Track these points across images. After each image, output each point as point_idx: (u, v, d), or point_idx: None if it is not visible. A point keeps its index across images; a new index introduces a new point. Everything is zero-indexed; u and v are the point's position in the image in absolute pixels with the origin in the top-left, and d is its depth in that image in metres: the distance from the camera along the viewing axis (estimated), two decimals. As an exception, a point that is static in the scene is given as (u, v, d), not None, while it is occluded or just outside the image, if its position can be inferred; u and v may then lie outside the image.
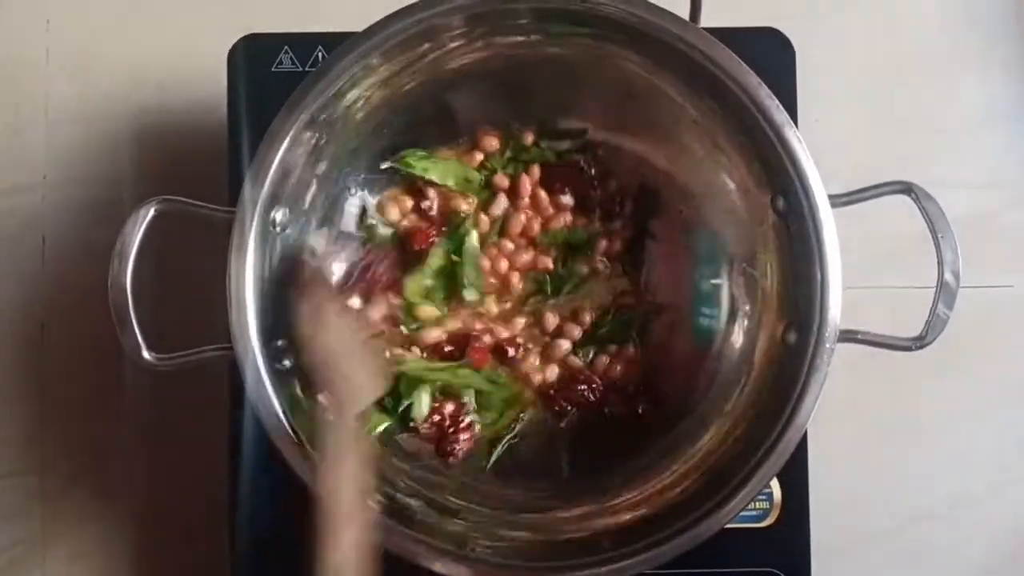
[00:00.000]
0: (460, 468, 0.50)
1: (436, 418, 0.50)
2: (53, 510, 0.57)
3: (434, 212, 0.51)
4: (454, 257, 0.50)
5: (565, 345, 0.51)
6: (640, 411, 0.50)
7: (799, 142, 0.43)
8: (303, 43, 0.51)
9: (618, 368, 0.51)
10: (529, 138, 0.51)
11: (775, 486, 0.51)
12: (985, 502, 0.58)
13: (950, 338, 0.43)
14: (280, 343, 0.44)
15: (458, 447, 0.50)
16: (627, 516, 0.46)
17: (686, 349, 0.51)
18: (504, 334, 0.51)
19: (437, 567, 0.41)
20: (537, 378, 0.51)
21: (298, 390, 0.45)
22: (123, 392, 0.56)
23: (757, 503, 0.50)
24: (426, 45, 0.44)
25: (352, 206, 0.50)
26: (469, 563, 0.42)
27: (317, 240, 0.48)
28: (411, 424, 0.50)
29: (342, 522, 0.39)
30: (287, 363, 0.44)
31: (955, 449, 0.58)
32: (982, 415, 0.59)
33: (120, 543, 0.57)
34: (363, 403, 0.43)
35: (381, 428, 0.49)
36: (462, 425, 0.50)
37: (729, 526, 0.42)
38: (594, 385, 0.51)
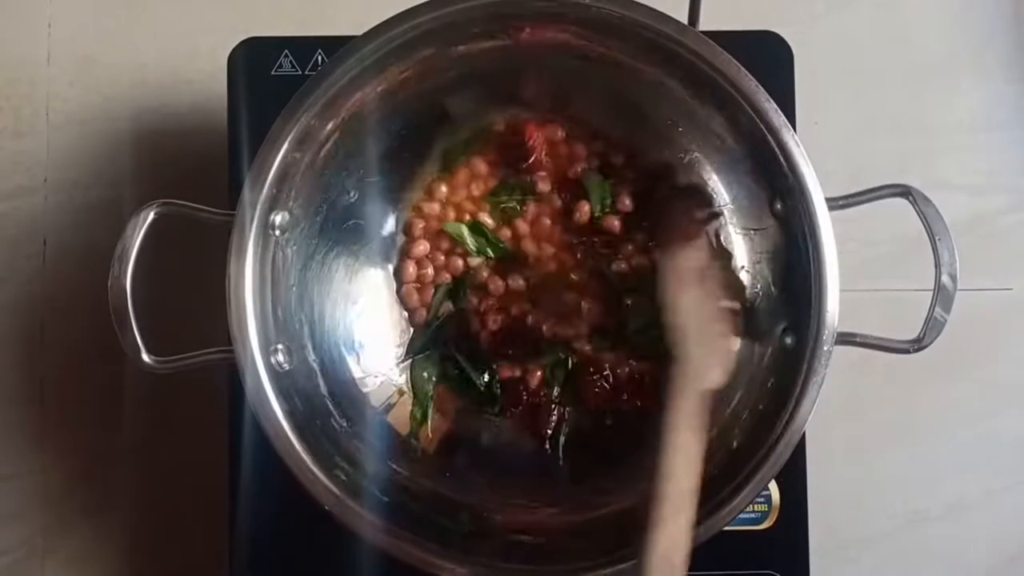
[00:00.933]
0: (462, 470, 0.50)
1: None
2: (53, 512, 0.58)
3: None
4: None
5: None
6: (639, 411, 0.50)
7: (797, 145, 0.43)
8: (303, 47, 0.51)
9: (626, 370, 0.51)
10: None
11: (773, 488, 0.51)
12: (982, 505, 0.59)
13: (948, 341, 0.43)
14: (279, 346, 0.44)
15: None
16: (626, 518, 0.46)
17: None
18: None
19: (437, 569, 0.41)
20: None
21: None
22: (123, 395, 0.57)
23: (755, 505, 0.50)
24: (425, 49, 0.44)
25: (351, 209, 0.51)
26: (469, 565, 0.42)
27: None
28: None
29: (676, 507, 0.38)
30: (286, 366, 0.45)
31: (953, 452, 0.59)
32: (980, 418, 0.59)
33: (120, 545, 0.57)
34: (707, 383, 0.41)
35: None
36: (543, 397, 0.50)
37: (727, 528, 0.42)
38: (607, 378, 0.51)
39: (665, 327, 0.43)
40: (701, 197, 0.48)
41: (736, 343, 0.45)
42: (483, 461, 0.50)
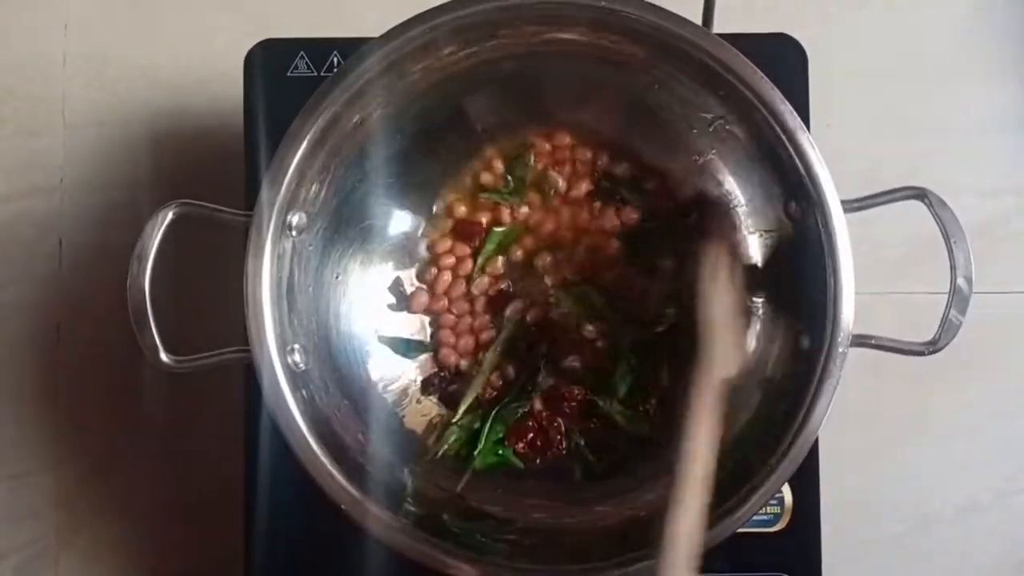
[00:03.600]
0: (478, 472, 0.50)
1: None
2: (68, 511, 0.58)
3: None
4: None
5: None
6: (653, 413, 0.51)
7: (812, 147, 0.43)
8: (319, 48, 0.51)
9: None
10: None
11: (786, 491, 0.50)
12: (995, 509, 0.58)
13: (962, 344, 0.43)
14: (296, 346, 0.45)
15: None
16: (640, 519, 0.46)
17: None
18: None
19: (450, 568, 0.41)
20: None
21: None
22: (138, 394, 0.57)
23: (768, 508, 0.50)
24: (441, 51, 0.44)
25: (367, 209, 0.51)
26: (482, 564, 0.42)
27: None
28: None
29: (696, 489, 0.39)
30: (302, 366, 0.45)
31: (966, 455, 0.59)
32: (993, 421, 0.59)
33: (134, 544, 0.58)
34: (725, 373, 0.42)
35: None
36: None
37: (740, 531, 0.42)
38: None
39: (696, 319, 0.44)
40: (727, 208, 0.50)
41: (751, 338, 0.45)
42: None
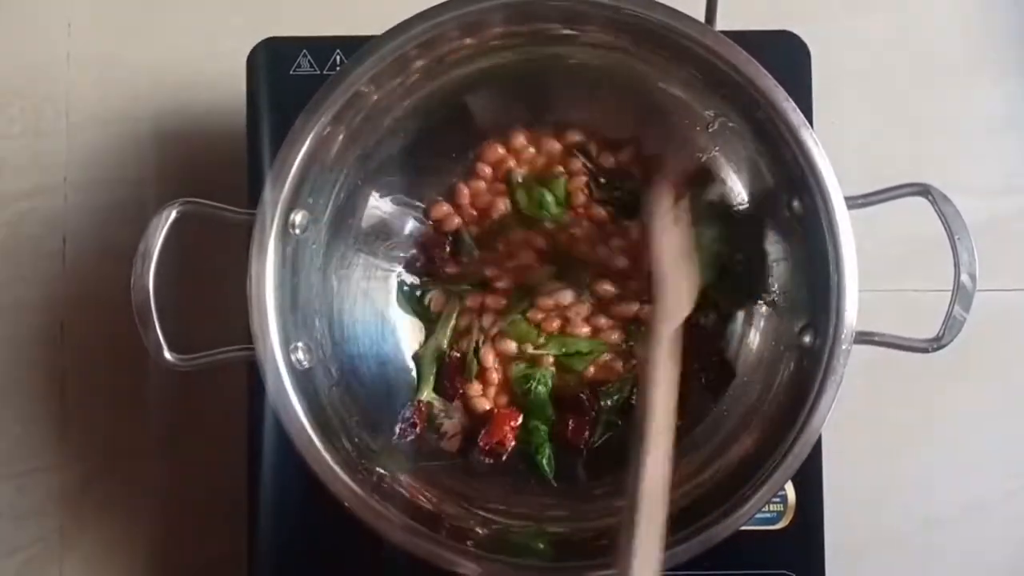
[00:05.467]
0: (482, 469, 0.50)
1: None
2: (72, 509, 0.58)
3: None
4: None
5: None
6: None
7: (816, 144, 0.43)
8: (321, 47, 0.51)
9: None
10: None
11: (789, 488, 0.50)
12: (1000, 507, 0.58)
13: (966, 342, 0.43)
14: (299, 344, 0.45)
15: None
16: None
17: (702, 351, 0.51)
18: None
19: (456, 566, 0.41)
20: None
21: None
22: (142, 392, 0.57)
23: (771, 505, 0.50)
24: (445, 48, 0.44)
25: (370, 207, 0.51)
26: (488, 563, 0.42)
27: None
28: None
29: (657, 438, 0.39)
30: (306, 364, 0.45)
31: (970, 453, 0.58)
32: (997, 419, 0.59)
33: (138, 542, 0.58)
34: (677, 318, 0.43)
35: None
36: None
37: (743, 528, 0.42)
38: None
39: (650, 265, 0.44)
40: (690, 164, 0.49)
41: (696, 282, 0.45)
42: (504, 461, 0.51)
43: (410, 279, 0.53)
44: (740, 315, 0.51)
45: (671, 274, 0.44)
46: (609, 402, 0.51)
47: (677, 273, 0.44)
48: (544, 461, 0.50)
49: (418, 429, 0.50)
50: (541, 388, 0.51)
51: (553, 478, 0.50)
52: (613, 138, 0.52)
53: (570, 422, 0.51)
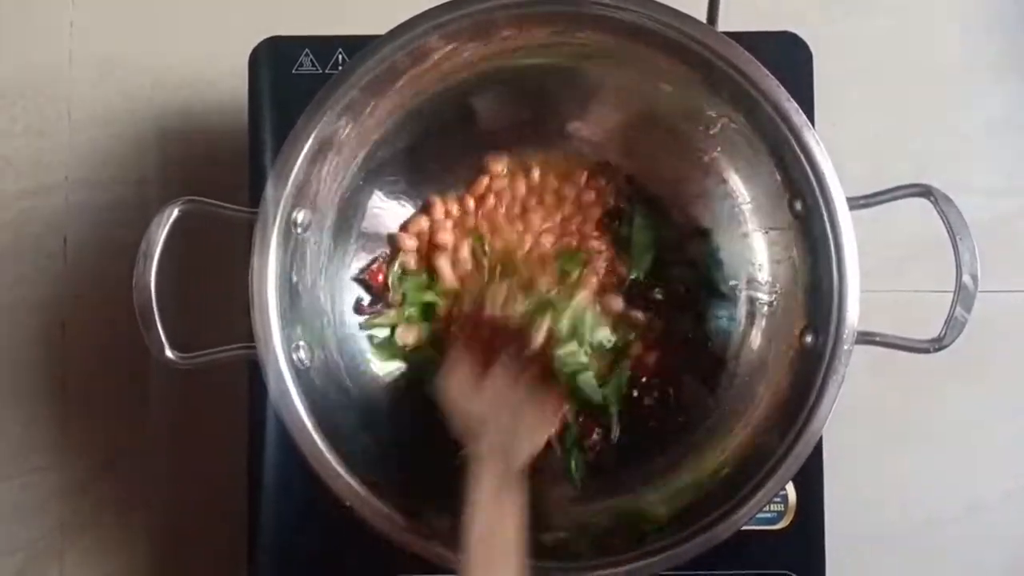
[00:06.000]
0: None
1: None
2: (72, 508, 0.58)
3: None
4: None
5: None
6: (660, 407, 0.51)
7: (817, 144, 0.43)
8: (323, 46, 0.51)
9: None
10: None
11: (790, 488, 0.50)
12: (1000, 507, 0.58)
13: (967, 343, 0.43)
14: (301, 343, 0.45)
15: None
16: (647, 515, 0.46)
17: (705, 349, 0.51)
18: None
19: (453, 564, 0.41)
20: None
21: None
22: (144, 391, 0.57)
23: (772, 505, 0.50)
24: (447, 48, 0.45)
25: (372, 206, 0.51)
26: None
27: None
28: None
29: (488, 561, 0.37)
30: (307, 362, 0.45)
31: (970, 454, 0.58)
32: (998, 420, 0.59)
33: (139, 541, 0.58)
34: (525, 455, 0.41)
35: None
36: None
37: (744, 528, 0.42)
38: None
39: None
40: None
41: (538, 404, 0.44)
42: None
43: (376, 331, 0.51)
44: (724, 313, 0.51)
45: (501, 420, 0.42)
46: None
47: (508, 418, 0.42)
48: (574, 463, 0.50)
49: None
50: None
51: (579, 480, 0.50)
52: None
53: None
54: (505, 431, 0.42)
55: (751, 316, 0.50)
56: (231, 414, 0.51)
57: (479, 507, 0.39)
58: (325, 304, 0.48)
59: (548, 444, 0.49)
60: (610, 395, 0.50)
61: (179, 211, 0.43)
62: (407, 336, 0.51)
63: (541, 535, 0.45)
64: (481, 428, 0.42)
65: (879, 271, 0.57)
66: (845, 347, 0.42)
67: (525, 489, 0.40)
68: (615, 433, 0.50)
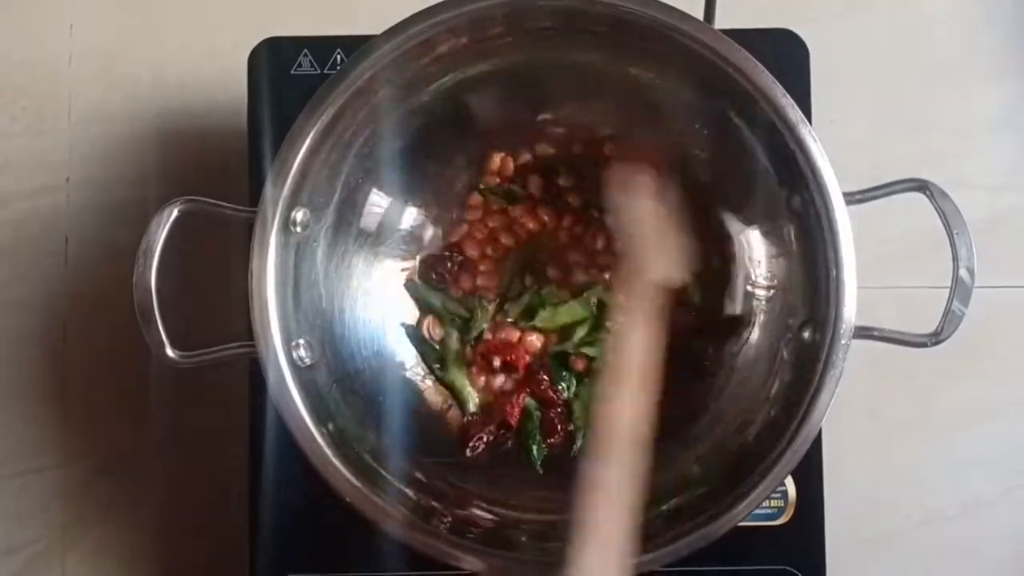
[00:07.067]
0: (485, 464, 0.50)
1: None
2: (75, 507, 0.58)
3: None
4: None
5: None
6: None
7: (814, 140, 0.43)
8: (322, 46, 0.52)
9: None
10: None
11: (789, 484, 0.51)
12: (999, 503, 0.58)
13: (965, 338, 0.43)
14: (301, 341, 0.45)
15: None
16: (643, 512, 0.46)
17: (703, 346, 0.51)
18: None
19: (458, 561, 0.42)
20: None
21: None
22: (144, 391, 0.57)
23: (771, 501, 0.50)
24: (445, 47, 0.45)
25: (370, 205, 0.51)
26: (489, 558, 0.42)
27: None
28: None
29: (628, 382, 0.38)
30: (308, 360, 0.45)
31: (970, 450, 0.58)
32: (997, 416, 0.59)
33: (141, 540, 0.58)
34: (657, 275, 0.43)
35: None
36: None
37: (743, 524, 0.42)
38: None
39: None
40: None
41: (688, 243, 0.46)
42: (506, 455, 0.51)
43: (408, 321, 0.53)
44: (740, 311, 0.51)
45: (640, 233, 0.44)
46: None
47: (653, 235, 0.44)
48: (535, 447, 0.51)
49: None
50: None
51: (540, 465, 0.51)
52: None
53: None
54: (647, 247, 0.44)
55: (750, 311, 0.51)
56: (231, 414, 0.51)
57: (634, 328, 0.40)
58: (325, 302, 0.48)
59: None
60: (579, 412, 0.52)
61: (179, 211, 0.43)
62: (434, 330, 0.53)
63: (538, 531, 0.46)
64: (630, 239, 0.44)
65: (876, 266, 0.57)
66: (843, 342, 0.42)
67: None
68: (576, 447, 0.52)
